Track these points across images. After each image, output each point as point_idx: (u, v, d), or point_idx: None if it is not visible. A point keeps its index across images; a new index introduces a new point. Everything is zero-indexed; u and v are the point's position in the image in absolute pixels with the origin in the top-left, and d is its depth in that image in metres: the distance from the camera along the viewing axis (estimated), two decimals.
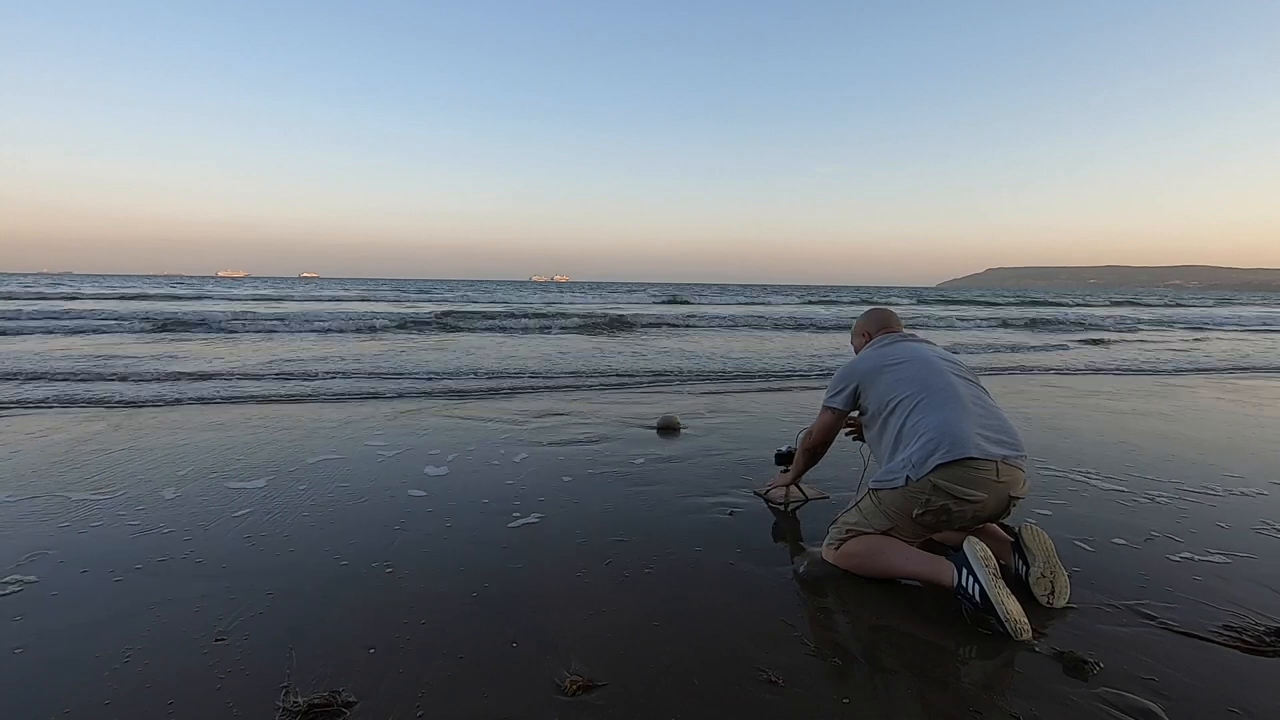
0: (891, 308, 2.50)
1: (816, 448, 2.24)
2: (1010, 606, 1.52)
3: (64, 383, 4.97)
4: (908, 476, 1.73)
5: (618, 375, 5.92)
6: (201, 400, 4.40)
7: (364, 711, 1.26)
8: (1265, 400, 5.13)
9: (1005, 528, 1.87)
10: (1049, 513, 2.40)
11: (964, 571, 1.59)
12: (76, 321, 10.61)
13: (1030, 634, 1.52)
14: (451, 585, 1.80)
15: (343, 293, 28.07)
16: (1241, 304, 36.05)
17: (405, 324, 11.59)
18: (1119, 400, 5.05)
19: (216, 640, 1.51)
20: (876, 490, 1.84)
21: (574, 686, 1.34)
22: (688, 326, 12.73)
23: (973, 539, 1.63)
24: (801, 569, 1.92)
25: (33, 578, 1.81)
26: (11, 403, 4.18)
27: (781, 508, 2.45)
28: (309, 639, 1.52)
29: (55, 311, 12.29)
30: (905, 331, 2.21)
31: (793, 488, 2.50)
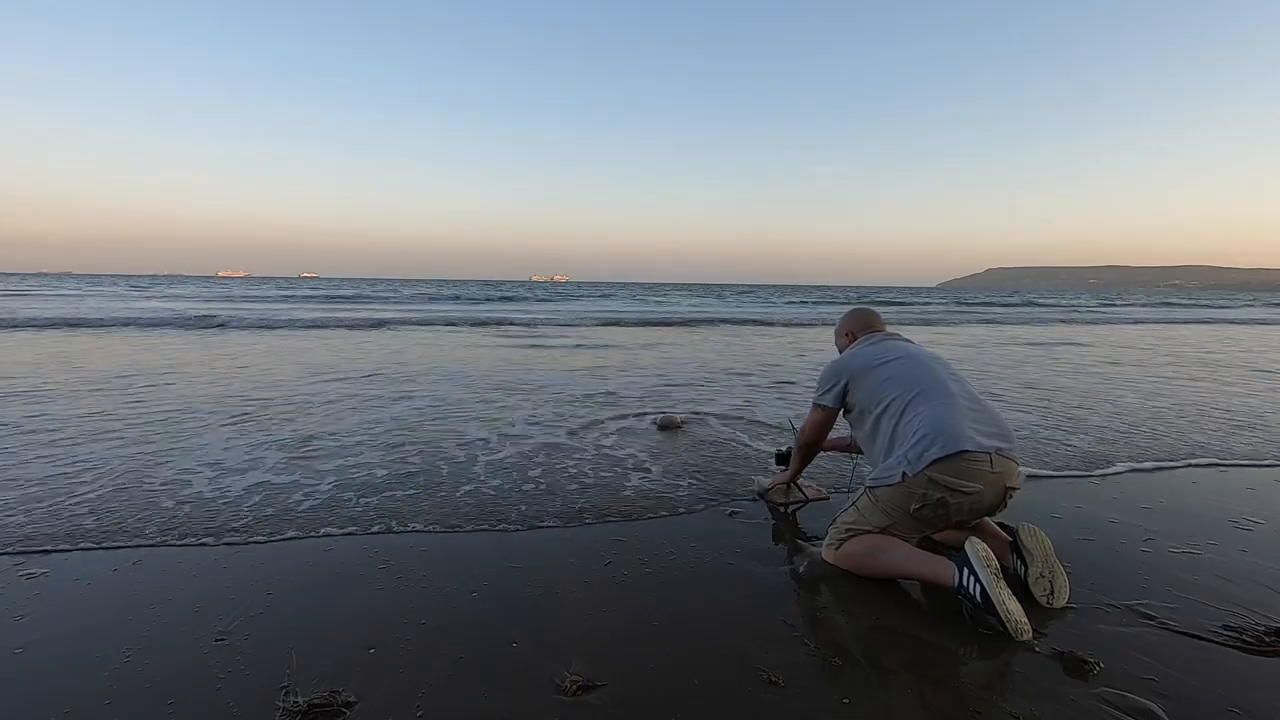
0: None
1: (810, 446, 2.28)
2: (1011, 607, 1.52)
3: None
4: (904, 472, 1.74)
5: None
6: None
7: (364, 711, 1.27)
8: None
9: (1004, 527, 1.88)
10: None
11: (965, 571, 1.59)
12: None
13: (1030, 634, 1.52)
14: (452, 585, 1.80)
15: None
16: None
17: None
18: None
19: (216, 640, 1.51)
20: (873, 488, 1.85)
21: (574, 686, 1.34)
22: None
23: (974, 539, 1.64)
24: (801, 569, 1.92)
25: (35, 576, 1.81)
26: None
27: (781, 508, 2.45)
28: (309, 639, 1.52)
29: None
30: (889, 330, 2.24)
31: (793, 487, 2.50)
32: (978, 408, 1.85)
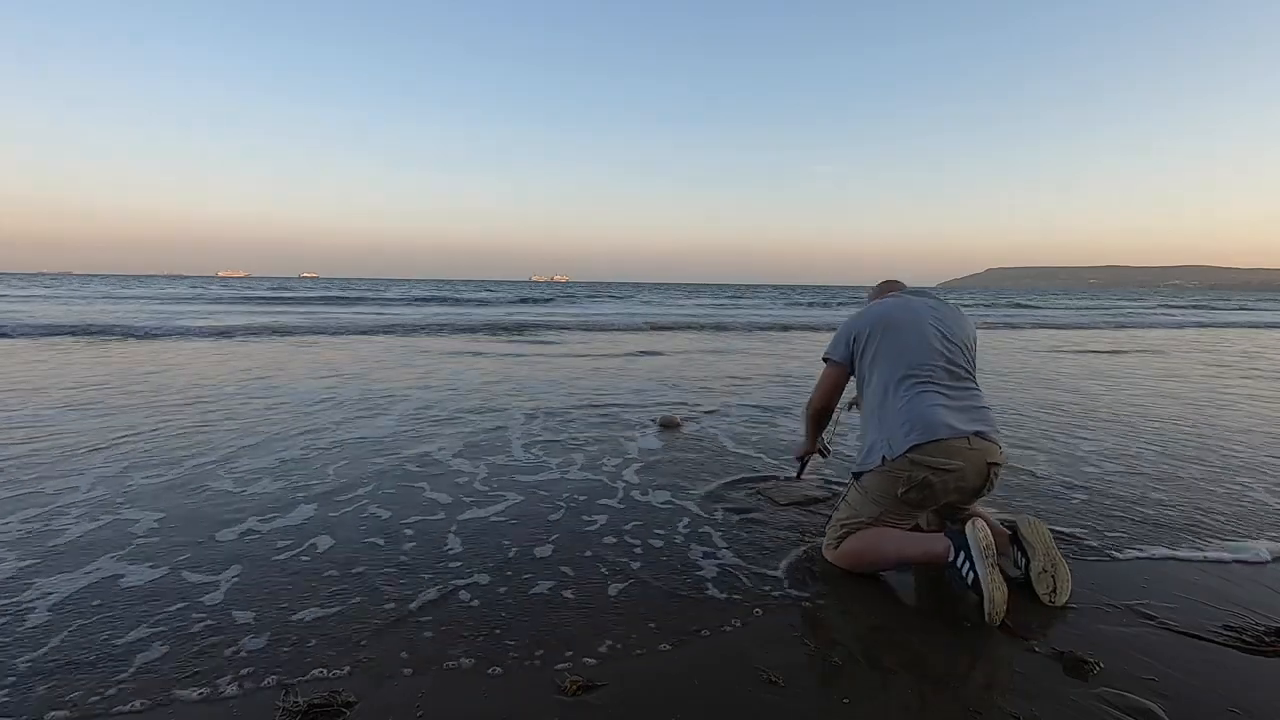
0: None
1: (822, 410, 2.21)
2: (997, 597, 1.56)
3: None
4: (884, 456, 1.78)
5: None
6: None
7: (364, 711, 1.26)
8: None
9: (1005, 523, 1.88)
10: None
11: (961, 555, 1.62)
12: None
13: (1001, 618, 1.56)
14: (452, 585, 1.79)
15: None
16: None
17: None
18: None
19: (217, 640, 1.51)
20: (859, 475, 1.88)
21: (574, 686, 1.34)
22: None
23: (978, 520, 1.65)
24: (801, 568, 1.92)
25: (36, 575, 1.81)
26: None
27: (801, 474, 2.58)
28: (309, 639, 1.52)
29: None
30: (910, 289, 2.20)
31: (795, 486, 2.57)
32: (964, 393, 1.86)
